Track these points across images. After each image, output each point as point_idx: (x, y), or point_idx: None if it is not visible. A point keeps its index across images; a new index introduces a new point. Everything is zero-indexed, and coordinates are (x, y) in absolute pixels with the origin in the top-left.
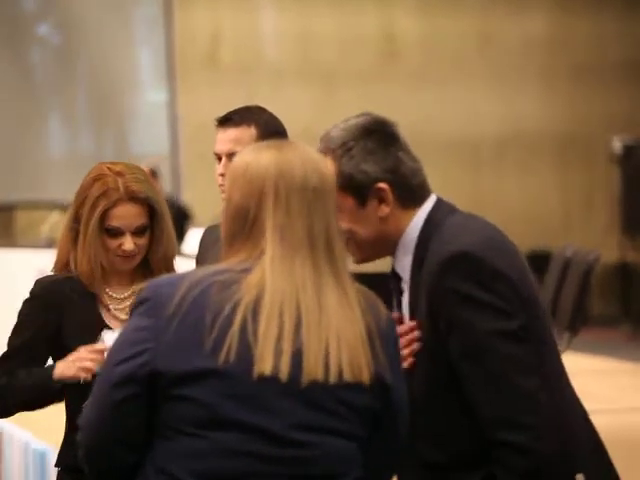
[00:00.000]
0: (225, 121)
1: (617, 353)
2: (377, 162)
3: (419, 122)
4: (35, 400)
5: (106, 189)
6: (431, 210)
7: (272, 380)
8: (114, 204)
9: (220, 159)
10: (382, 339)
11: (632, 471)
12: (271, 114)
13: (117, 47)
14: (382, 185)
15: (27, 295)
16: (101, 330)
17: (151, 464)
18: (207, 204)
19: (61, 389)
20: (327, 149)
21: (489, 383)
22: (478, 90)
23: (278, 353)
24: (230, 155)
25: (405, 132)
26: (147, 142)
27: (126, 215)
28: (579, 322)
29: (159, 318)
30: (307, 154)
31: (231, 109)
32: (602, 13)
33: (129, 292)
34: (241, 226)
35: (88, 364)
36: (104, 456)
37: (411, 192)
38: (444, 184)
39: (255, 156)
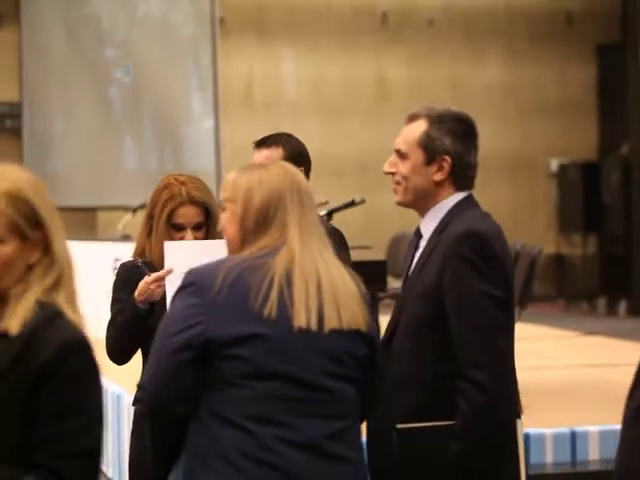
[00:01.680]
0: (260, 143)
1: (554, 323)
2: (454, 141)
3: None
4: (133, 326)
5: (172, 194)
6: (464, 198)
7: (304, 333)
8: (178, 206)
9: None
10: (366, 303)
11: (570, 411)
12: (297, 139)
13: (176, 88)
14: (447, 158)
15: (111, 276)
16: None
17: (206, 410)
18: None
19: (149, 310)
20: (425, 114)
21: (472, 331)
22: None
23: (308, 310)
24: None
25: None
26: (197, 159)
27: (187, 214)
28: (526, 299)
29: (205, 297)
30: (293, 169)
31: (260, 136)
32: (543, 64)
33: None
34: (262, 223)
35: (153, 289)
36: (164, 410)
37: (461, 177)
38: None
39: (261, 173)
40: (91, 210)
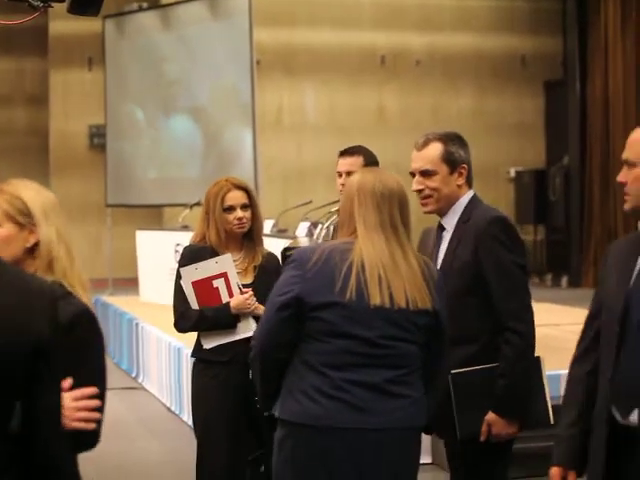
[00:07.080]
0: (345, 152)
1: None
2: (465, 153)
3: (399, 160)
4: (216, 326)
5: (221, 186)
6: (473, 195)
7: (378, 308)
8: (227, 191)
9: (341, 176)
10: (433, 283)
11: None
12: (370, 150)
13: (224, 115)
14: (464, 165)
15: (172, 257)
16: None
17: (297, 357)
18: (273, 207)
19: (235, 316)
20: (436, 138)
21: (508, 291)
22: None
23: (381, 292)
24: (348, 173)
25: (390, 165)
26: (239, 169)
27: (235, 197)
28: None
29: (303, 270)
30: (381, 175)
31: (288, 153)
32: (504, 96)
33: (240, 255)
34: (345, 217)
35: (249, 305)
36: (269, 354)
37: (470, 178)
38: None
39: (352, 178)
40: (158, 207)
